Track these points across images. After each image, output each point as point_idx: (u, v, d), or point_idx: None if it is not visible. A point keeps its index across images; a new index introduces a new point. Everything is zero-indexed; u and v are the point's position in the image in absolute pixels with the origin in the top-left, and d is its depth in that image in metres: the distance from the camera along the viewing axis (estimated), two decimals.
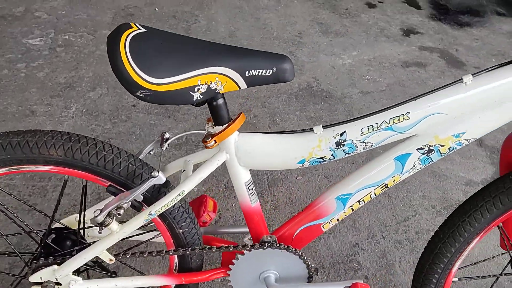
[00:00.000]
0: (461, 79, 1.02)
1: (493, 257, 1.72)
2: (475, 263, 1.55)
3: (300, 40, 3.05)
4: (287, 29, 3.16)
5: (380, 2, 3.65)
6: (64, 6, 3.14)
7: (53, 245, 1.19)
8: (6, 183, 1.88)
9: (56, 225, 1.24)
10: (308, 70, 2.78)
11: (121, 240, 1.16)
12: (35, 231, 1.20)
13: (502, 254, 1.48)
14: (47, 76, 2.51)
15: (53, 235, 1.23)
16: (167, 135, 1.16)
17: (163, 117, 2.38)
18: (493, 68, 1.02)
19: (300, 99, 2.53)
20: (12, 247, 1.22)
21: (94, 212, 1.07)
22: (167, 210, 1.13)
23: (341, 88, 2.64)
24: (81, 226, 1.21)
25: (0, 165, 1.06)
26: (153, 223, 1.19)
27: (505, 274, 1.36)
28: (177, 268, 1.27)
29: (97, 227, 1.08)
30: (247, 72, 0.97)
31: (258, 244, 1.19)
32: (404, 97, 2.54)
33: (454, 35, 3.29)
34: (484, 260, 1.62)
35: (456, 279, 1.30)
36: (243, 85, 0.99)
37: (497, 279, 1.47)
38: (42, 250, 1.20)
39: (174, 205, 1.14)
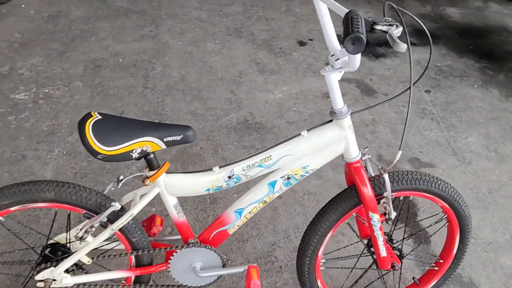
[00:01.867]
0: (300, 133, 1.67)
1: (351, 244, 2.35)
2: (338, 249, 2.19)
3: (240, 79, 3.70)
4: (229, 70, 3.81)
5: (310, 40, 4.32)
6: (43, 62, 3.74)
7: (50, 255, 1.80)
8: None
9: (51, 242, 1.85)
10: (245, 106, 3.42)
11: (95, 248, 1.78)
12: (37, 246, 1.81)
13: (356, 242, 2.13)
14: (33, 126, 3.11)
15: (49, 248, 1.84)
16: (121, 177, 1.78)
17: None
18: (321, 124, 1.67)
19: (238, 132, 3.16)
20: (22, 257, 1.83)
21: (76, 230, 1.69)
22: (124, 226, 1.74)
23: (271, 120, 3.28)
24: (67, 241, 1.82)
25: (13, 204, 1.67)
26: (116, 236, 1.80)
27: (361, 256, 2.00)
28: (134, 265, 1.88)
29: (79, 240, 1.69)
30: (164, 138, 1.60)
31: (185, 245, 1.81)
32: None
33: (370, 66, 3.97)
34: (344, 247, 2.27)
35: (323, 262, 1.94)
36: (163, 146, 1.61)
37: (358, 259, 2.09)
38: (42, 259, 1.80)
39: (128, 223, 1.75)
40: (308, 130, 1.67)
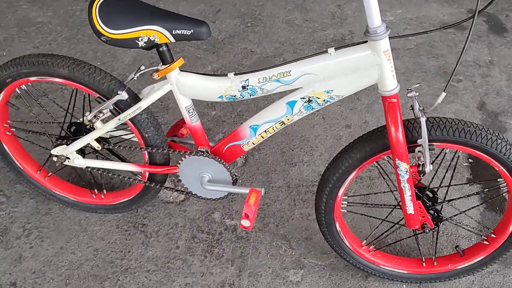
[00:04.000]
0: (327, 50, 1.40)
1: (384, 192, 2.07)
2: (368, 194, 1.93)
3: None
4: None
5: None
6: None
7: (69, 133, 1.80)
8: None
9: (76, 121, 1.84)
10: (348, 23, 3.08)
11: (108, 136, 1.74)
12: (61, 122, 1.81)
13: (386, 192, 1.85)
14: None
15: (73, 127, 1.83)
16: (142, 67, 1.67)
17: (208, 53, 2.89)
18: (352, 44, 1.38)
19: None
20: (44, 130, 1.86)
21: (87, 114, 1.65)
22: (135, 118, 1.66)
23: None
24: (84, 122, 1.78)
25: (31, 74, 1.66)
26: (130, 128, 1.74)
27: (394, 208, 1.72)
28: (148, 162, 1.82)
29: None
30: (173, 31, 1.44)
31: (194, 153, 1.68)
32: (428, 58, 2.79)
33: None
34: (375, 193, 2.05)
35: (345, 205, 1.70)
36: (172, 39, 1.46)
37: (391, 211, 1.81)
38: (63, 135, 1.81)
39: (141, 116, 1.67)
40: (336, 49, 1.39)
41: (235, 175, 1.71)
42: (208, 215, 2.06)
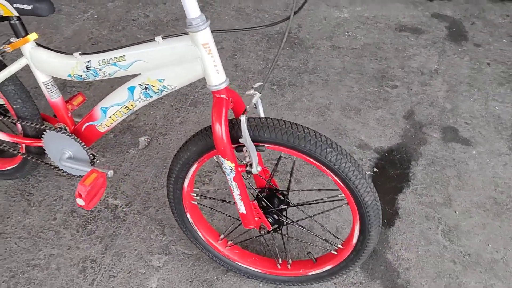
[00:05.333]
0: (154, 39, 1.38)
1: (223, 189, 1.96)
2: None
3: None
4: None
5: None
6: None
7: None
8: None
9: None
10: (299, 16, 3.02)
11: None
12: None
13: None
14: None
15: None
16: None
17: (149, 34, 2.90)
18: (178, 35, 1.36)
19: (271, 41, 2.83)
20: None
21: None
22: (2, 88, 1.70)
23: (315, 39, 2.86)
24: None
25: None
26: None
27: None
28: (22, 133, 1.85)
29: None
30: (14, 4, 1.46)
31: (52, 129, 1.71)
32: (370, 60, 2.72)
33: (484, 7, 3.17)
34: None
35: (196, 197, 1.69)
36: (14, 12, 1.47)
37: None
38: None
39: (8, 87, 1.70)
40: (163, 37, 1.38)
41: (93, 155, 1.73)
42: None
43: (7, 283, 1.79)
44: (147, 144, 2.29)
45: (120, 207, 2.04)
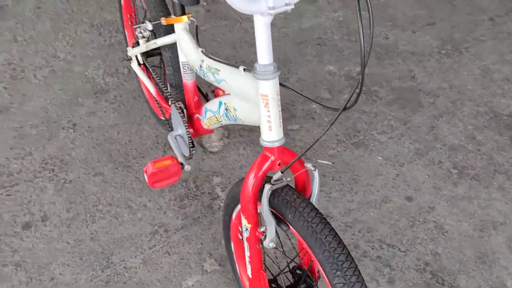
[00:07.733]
0: (239, 67, 1.31)
1: None
2: None
3: None
4: None
5: None
6: None
7: None
8: None
9: None
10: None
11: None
12: None
13: None
14: None
15: None
16: None
17: None
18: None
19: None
20: None
21: None
22: (162, 52, 1.88)
23: None
24: None
25: None
26: None
27: None
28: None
29: None
30: None
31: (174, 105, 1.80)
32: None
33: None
34: None
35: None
36: None
37: None
38: None
39: (167, 52, 1.87)
40: (244, 70, 1.30)
41: (193, 144, 1.76)
42: None
43: (97, 207, 2.04)
44: None
45: (221, 200, 2.08)
